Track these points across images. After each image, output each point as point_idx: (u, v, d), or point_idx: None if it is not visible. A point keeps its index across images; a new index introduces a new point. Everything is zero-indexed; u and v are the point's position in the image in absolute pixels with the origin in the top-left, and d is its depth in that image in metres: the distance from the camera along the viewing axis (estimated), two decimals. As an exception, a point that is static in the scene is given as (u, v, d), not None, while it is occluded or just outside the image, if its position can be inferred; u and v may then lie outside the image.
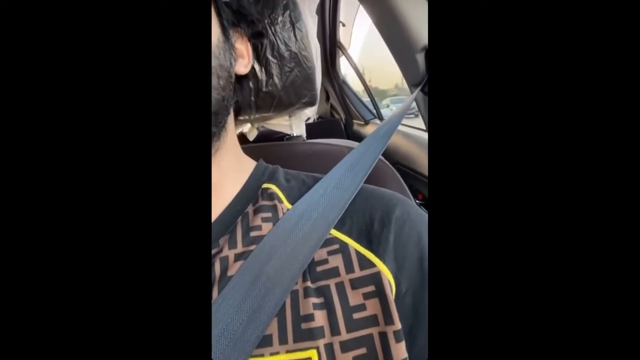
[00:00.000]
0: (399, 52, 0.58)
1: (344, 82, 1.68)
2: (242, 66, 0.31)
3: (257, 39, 0.35)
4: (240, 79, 0.33)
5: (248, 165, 0.32)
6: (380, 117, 1.56)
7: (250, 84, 0.35)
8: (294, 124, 0.49)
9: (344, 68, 1.69)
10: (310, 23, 0.40)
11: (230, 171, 0.30)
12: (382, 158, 0.41)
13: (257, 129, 0.52)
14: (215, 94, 0.26)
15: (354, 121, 1.68)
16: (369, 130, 1.53)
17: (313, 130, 1.30)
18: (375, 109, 1.57)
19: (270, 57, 0.37)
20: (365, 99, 1.62)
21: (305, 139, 0.51)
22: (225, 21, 0.29)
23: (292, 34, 0.38)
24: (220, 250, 0.26)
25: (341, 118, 1.76)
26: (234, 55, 0.30)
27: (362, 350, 0.22)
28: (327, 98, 1.89)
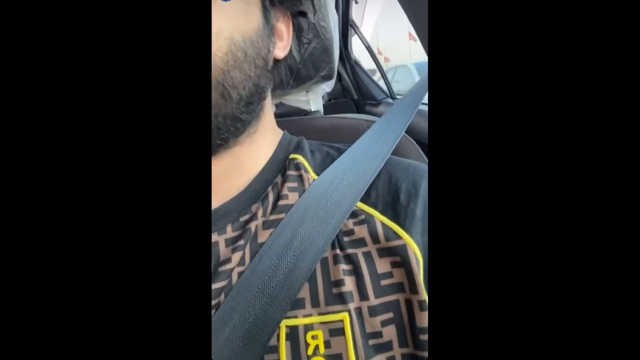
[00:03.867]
0: (421, 25, 0.56)
1: (356, 63, 1.65)
2: (281, 49, 0.30)
3: (299, 17, 0.33)
4: (276, 61, 0.31)
5: (276, 135, 0.32)
6: (393, 96, 1.54)
7: (287, 66, 0.33)
8: (312, 99, 0.49)
9: (356, 48, 1.66)
10: None
11: (263, 144, 0.30)
12: (405, 134, 0.41)
13: (274, 105, 0.52)
14: (250, 84, 0.25)
15: (367, 101, 1.66)
16: (381, 110, 1.51)
17: (326, 111, 1.28)
18: (387, 88, 1.55)
19: None
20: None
21: (323, 114, 0.50)
22: (268, 1, 0.27)
23: (310, 4, 0.37)
24: (255, 216, 0.26)
25: (353, 99, 1.74)
26: (273, 40, 0.28)
27: (389, 315, 0.23)
28: (339, 79, 1.86)
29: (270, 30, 0.27)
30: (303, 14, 0.33)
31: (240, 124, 0.26)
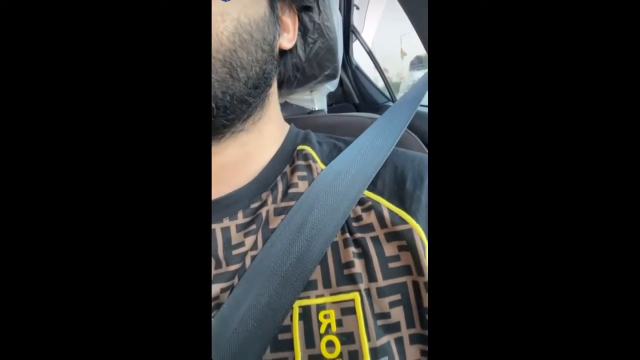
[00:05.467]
0: (421, 24, 0.58)
1: (357, 68, 1.67)
2: (287, 41, 0.31)
3: (305, 11, 0.34)
4: (282, 53, 0.32)
5: (283, 128, 0.33)
6: (394, 100, 1.55)
7: (293, 59, 0.35)
8: (316, 98, 0.50)
9: (357, 53, 1.68)
10: None
11: (270, 136, 0.31)
12: (408, 130, 0.42)
13: (280, 104, 0.53)
14: (257, 67, 0.26)
15: (368, 105, 1.67)
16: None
17: (328, 115, 1.29)
18: (389, 92, 1.57)
19: None
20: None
21: (327, 113, 0.51)
22: None
23: (315, 4, 0.38)
24: (265, 203, 0.28)
25: (354, 103, 1.76)
26: (279, 29, 0.30)
27: (396, 297, 0.24)
28: (341, 83, 1.88)
29: (275, 19, 0.29)
30: (308, 9, 0.34)
31: (246, 106, 0.27)
